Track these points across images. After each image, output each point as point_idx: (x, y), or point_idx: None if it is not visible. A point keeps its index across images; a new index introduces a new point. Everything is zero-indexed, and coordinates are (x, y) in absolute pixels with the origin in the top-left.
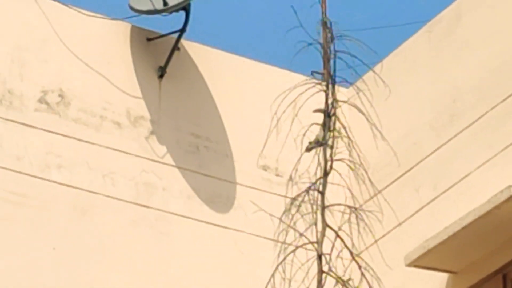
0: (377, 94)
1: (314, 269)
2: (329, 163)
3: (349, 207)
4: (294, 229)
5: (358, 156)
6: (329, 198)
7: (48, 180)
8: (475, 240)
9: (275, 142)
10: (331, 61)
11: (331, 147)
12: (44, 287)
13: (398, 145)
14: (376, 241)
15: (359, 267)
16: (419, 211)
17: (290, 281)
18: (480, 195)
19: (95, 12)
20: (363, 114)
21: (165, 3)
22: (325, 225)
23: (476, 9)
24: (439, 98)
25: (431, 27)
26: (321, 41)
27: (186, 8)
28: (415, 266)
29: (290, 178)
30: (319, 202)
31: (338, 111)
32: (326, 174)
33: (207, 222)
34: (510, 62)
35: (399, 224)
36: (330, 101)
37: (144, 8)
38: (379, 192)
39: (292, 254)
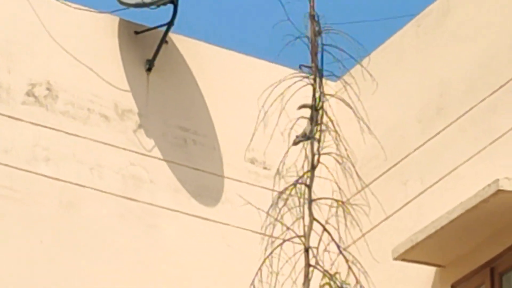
0: (365, 88)
1: (301, 262)
2: (316, 157)
3: (336, 200)
4: (281, 223)
5: (346, 149)
6: (316, 192)
7: (36, 173)
8: (462, 233)
9: (262, 136)
10: (319, 55)
11: (318, 141)
12: (31, 280)
13: (386, 139)
14: (363, 234)
15: (346, 260)
16: (406, 204)
17: (277, 274)
18: (467, 189)
19: (83, 5)
20: (351, 107)
21: None
22: (312, 218)
23: (464, 3)
24: (426, 92)
25: (419, 21)
26: (309, 34)
27: (174, 1)
28: (403, 259)
29: (278, 172)
30: (306, 196)
31: (326, 105)
32: (313, 167)
33: (195, 215)
34: (497, 56)
35: (387, 218)
36: (317, 94)
37: (132, 1)
38: (367, 185)
39: (279, 247)
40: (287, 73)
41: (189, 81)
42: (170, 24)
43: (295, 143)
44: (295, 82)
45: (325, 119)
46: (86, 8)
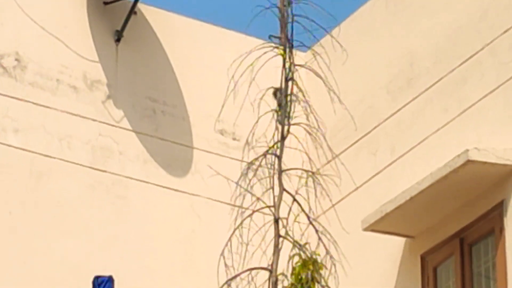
0: (335, 58)
1: (271, 233)
2: (286, 127)
3: (306, 171)
4: (251, 193)
5: (316, 120)
6: (286, 162)
7: (4, 144)
8: (432, 204)
9: (232, 106)
10: (289, 25)
11: (288, 111)
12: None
13: (355, 109)
14: (333, 205)
15: (316, 231)
16: (376, 175)
17: (247, 245)
18: (437, 159)
19: None
20: (321, 78)
21: None
22: (282, 189)
23: None
24: (396, 62)
25: None
26: (279, 5)
27: None
28: (372, 230)
29: (247, 142)
30: (276, 166)
31: (295, 75)
32: (283, 138)
33: (164, 186)
34: (466, 27)
35: (356, 189)
36: (287, 65)
37: None
38: (336, 156)
39: (249, 218)
40: (257, 43)
41: (158, 51)
42: None
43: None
44: (265, 53)
45: (295, 89)
46: None
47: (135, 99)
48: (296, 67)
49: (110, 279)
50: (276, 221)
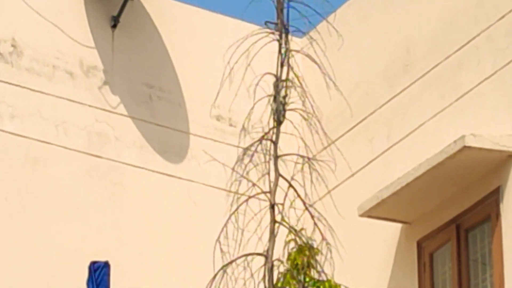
0: (331, 44)
1: (267, 219)
2: (282, 113)
3: (302, 157)
4: (247, 179)
5: (311, 106)
6: (282, 148)
7: (0, 130)
8: (428, 190)
9: (228, 92)
10: (284, 11)
11: (284, 97)
12: None
13: (352, 95)
14: (329, 191)
15: (312, 217)
16: (372, 161)
17: (242, 231)
18: (433, 146)
19: None
20: (317, 64)
21: None
22: (278, 175)
23: None
24: (392, 48)
25: None
26: None
27: None
28: (369, 216)
29: (243, 128)
30: (272, 152)
31: (292, 61)
32: (279, 123)
33: (160, 172)
34: (463, 13)
35: (353, 175)
36: (283, 51)
37: None
38: (333, 142)
39: (245, 204)
40: (252, 29)
41: (154, 37)
42: None
43: None
44: (261, 39)
45: (291, 75)
46: None
47: (131, 85)
48: (292, 52)
49: (106, 265)
50: (272, 207)
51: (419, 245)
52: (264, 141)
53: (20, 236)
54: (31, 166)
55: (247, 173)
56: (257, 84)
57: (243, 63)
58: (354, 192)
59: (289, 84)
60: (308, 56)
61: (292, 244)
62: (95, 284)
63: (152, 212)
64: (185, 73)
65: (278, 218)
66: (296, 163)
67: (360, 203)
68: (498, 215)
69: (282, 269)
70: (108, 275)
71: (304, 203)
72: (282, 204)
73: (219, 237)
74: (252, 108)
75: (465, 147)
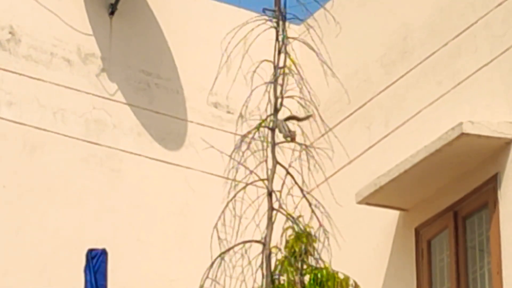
0: (328, 31)
1: (265, 206)
2: (279, 100)
3: (300, 144)
4: (245, 166)
5: (309, 93)
6: (280, 135)
7: None
8: (426, 177)
9: (225, 79)
10: None
11: (282, 84)
12: None
13: (349, 82)
14: (326, 178)
15: (310, 204)
16: (370, 148)
17: (240, 218)
18: (431, 132)
19: None
20: (314, 51)
21: None
22: (276, 162)
23: None
24: (390, 35)
25: None
26: None
27: None
28: (366, 203)
29: (241, 115)
30: (269, 139)
31: (289, 48)
32: (276, 111)
33: (158, 160)
34: (460, 0)
35: (350, 162)
36: (280, 38)
37: None
38: (330, 129)
39: (242, 191)
40: (250, 16)
41: (152, 24)
42: None
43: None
44: (258, 26)
45: (288, 62)
46: None
47: (129, 72)
48: (290, 40)
49: (103, 252)
50: (270, 194)
51: (417, 232)
52: (261, 128)
53: (18, 223)
54: (29, 153)
55: (245, 160)
56: (254, 71)
57: (241, 50)
58: (352, 179)
59: (287, 71)
60: (305, 43)
61: (289, 231)
62: (93, 272)
63: (149, 199)
64: (183, 60)
65: (275, 205)
66: (294, 150)
67: (357, 190)
68: (495, 202)
69: (279, 256)
70: (106, 262)
71: (302, 190)
72: (280, 192)
73: (216, 224)
74: (250, 95)
75: (462, 134)
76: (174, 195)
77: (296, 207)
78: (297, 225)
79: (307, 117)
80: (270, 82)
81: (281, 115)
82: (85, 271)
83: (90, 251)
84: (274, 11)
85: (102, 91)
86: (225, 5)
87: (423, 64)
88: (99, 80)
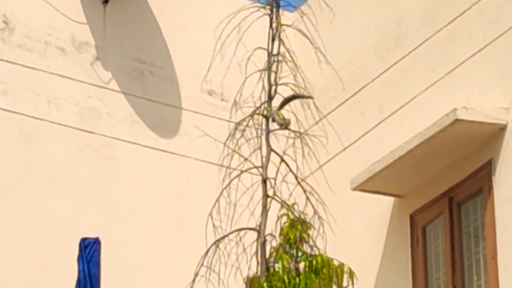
0: (322, 18)
1: (259, 193)
2: (273, 88)
3: (294, 131)
4: (239, 154)
5: (303, 80)
6: (274, 123)
7: None
8: (420, 163)
9: (220, 67)
10: None
11: (276, 72)
12: None
13: (343, 69)
14: (321, 166)
15: (304, 191)
16: (364, 135)
17: (235, 205)
18: (425, 119)
19: None
20: (308, 38)
21: None
22: (270, 149)
23: None
24: (383, 21)
25: None
26: None
27: None
28: (361, 190)
29: (235, 103)
30: (263, 127)
31: (283, 36)
32: (270, 98)
33: (152, 148)
34: None
35: (344, 149)
36: (274, 25)
37: None
38: (324, 116)
39: (237, 179)
40: (244, 4)
41: (146, 12)
42: None
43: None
44: (252, 13)
45: (282, 49)
46: None
47: (123, 61)
48: (283, 27)
49: (96, 241)
50: (264, 181)
51: (412, 218)
52: (256, 116)
53: (12, 212)
54: (23, 142)
55: (239, 147)
56: (248, 59)
57: (235, 38)
58: (346, 166)
59: (281, 58)
60: (299, 30)
61: (284, 219)
62: (86, 261)
63: (144, 188)
64: (177, 48)
65: (270, 192)
66: (288, 137)
67: (352, 177)
68: (490, 188)
69: (274, 243)
70: (99, 251)
71: (296, 178)
72: (274, 179)
73: (211, 212)
74: (244, 82)
75: (456, 120)
76: (168, 183)
77: (290, 194)
78: (292, 212)
79: (309, 96)
80: (264, 70)
81: (275, 102)
82: (78, 260)
83: (83, 240)
84: None
85: (97, 79)
86: None
87: (417, 50)
88: (93, 69)
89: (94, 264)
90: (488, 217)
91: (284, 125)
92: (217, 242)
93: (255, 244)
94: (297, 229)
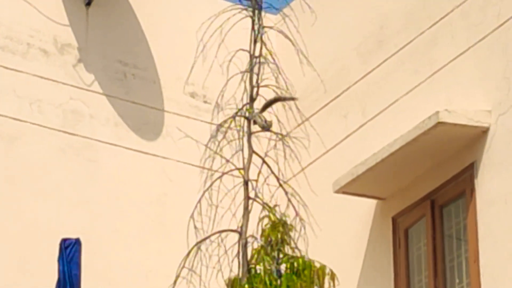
0: (304, 21)
1: (241, 195)
2: (255, 90)
3: (276, 133)
4: (221, 156)
5: (285, 82)
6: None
7: None
8: (403, 166)
9: (202, 69)
10: None
11: (258, 73)
12: None
13: (325, 72)
14: (303, 168)
15: (286, 193)
16: (347, 137)
17: (216, 207)
18: (408, 121)
19: None
20: (290, 40)
21: None
22: (252, 151)
23: None
24: (366, 24)
25: None
26: None
27: None
28: (343, 192)
29: (217, 104)
30: (245, 129)
31: (265, 38)
32: (252, 100)
33: (135, 150)
34: None
35: (327, 151)
36: (256, 27)
37: None
38: (307, 119)
39: (218, 180)
40: (226, 5)
41: (128, 15)
42: None
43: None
44: (234, 15)
45: (264, 51)
46: None
47: (106, 63)
48: (265, 29)
49: (77, 242)
50: (246, 183)
51: (394, 221)
52: (237, 118)
53: None
54: (5, 144)
55: (221, 149)
56: (230, 61)
57: (217, 40)
58: (329, 169)
59: (263, 60)
60: (281, 32)
61: (266, 221)
62: (66, 261)
63: (126, 189)
64: (160, 50)
65: (252, 194)
66: (270, 139)
67: (334, 180)
68: (472, 191)
69: (256, 245)
70: (79, 252)
71: (278, 180)
72: (256, 181)
73: (193, 213)
74: (226, 84)
75: (439, 122)
76: (151, 185)
77: (272, 196)
78: (274, 214)
79: (292, 98)
80: (246, 72)
81: (257, 104)
82: (58, 260)
83: (64, 240)
84: (250, 0)
85: (79, 81)
86: None
87: (400, 53)
88: (75, 71)
89: (74, 265)
90: (470, 220)
91: (266, 127)
92: (198, 244)
93: (236, 246)
94: (278, 231)
